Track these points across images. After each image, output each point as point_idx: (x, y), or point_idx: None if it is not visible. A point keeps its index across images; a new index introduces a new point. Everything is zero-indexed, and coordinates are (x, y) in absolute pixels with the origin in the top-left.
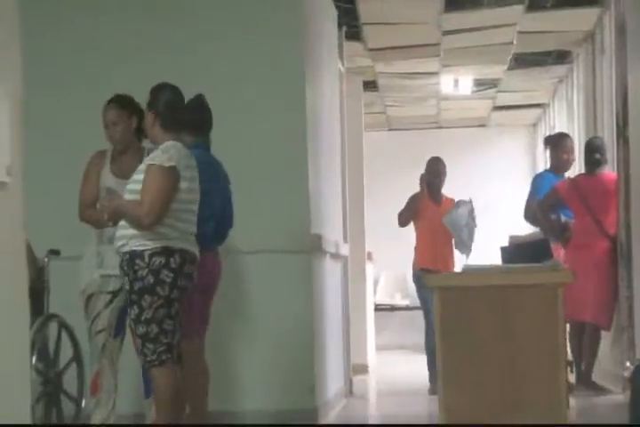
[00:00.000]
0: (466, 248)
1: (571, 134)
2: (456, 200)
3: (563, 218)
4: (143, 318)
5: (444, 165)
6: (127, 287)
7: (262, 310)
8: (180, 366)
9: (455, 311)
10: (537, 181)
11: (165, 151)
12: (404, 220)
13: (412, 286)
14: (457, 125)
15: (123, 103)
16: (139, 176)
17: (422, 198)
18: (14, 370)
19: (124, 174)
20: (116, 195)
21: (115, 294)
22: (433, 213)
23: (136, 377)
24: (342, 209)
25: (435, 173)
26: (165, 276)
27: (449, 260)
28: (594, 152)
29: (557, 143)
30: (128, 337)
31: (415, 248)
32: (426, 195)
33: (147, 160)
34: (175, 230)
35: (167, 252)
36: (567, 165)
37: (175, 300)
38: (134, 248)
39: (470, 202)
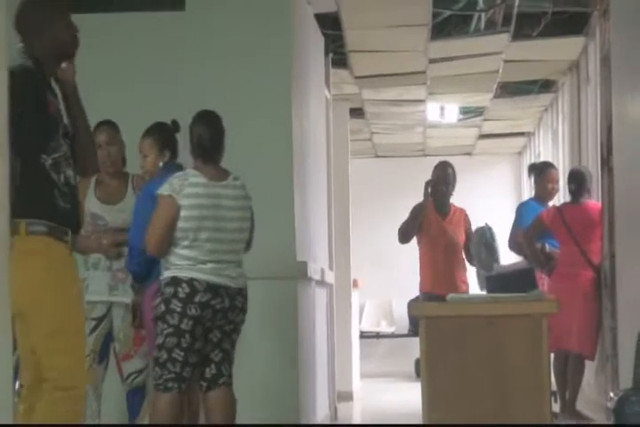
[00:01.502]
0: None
1: (555, 163)
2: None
3: (547, 247)
4: (156, 342)
5: (453, 171)
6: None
7: (247, 336)
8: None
9: (440, 340)
10: (521, 209)
11: (168, 181)
12: (404, 235)
13: (397, 314)
14: (443, 153)
15: (115, 126)
16: None
17: (426, 209)
18: None
19: (110, 200)
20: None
21: (100, 320)
22: (437, 227)
23: (120, 403)
24: (328, 236)
25: (441, 179)
26: (175, 305)
27: (455, 283)
28: (569, 182)
29: (542, 172)
30: (112, 363)
31: (419, 269)
32: (431, 205)
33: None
34: (182, 259)
35: (175, 281)
36: (552, 194)
37: (187, 331)
38: (159, 277)
39: (482, 229)
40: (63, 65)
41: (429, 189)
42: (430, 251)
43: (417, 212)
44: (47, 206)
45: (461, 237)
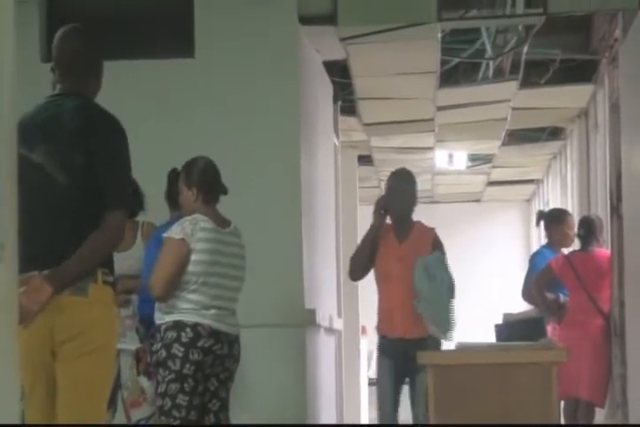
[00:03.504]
0: (446, 326)
1: None
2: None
3: (562, 298)
4: (159, 391)
5: (410, 179)
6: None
7: (256, 384)
8: None
9: (449, 389)
10: (535, 258)
11: (179, 224)
12: (352, 269)
13: None
14: (451, 200)
15: None
16: None
17: (381, 233)
18: None
19: (120, 247)
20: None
21: None
22: (393, 253)
23: None
24: (336, 283)
25: (394, 192)
26: (177, 350)
27: (413, 323)
28: (579, 229)
29: (562, 220)
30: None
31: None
32: (388, 227)
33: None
34: (187, 302)
35: (179, 326)
36: (569, 240)
37: (189, 375)
38: (157, 322)
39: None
40: None
41: (382, 210)
42: (385, 284)
43: (367, 238)
44: (112, 258)
45: None
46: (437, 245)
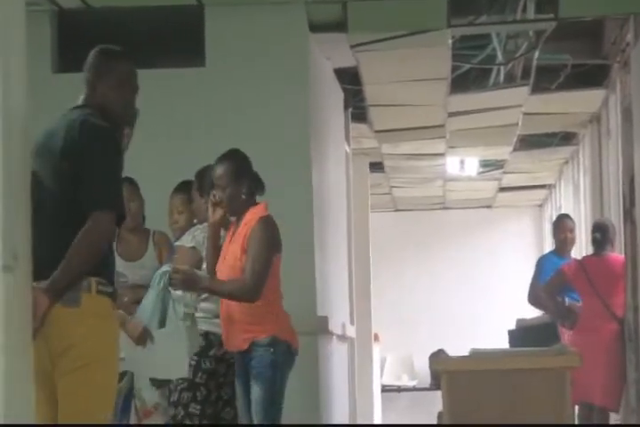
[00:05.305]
0: None
1: (577, 216)
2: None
3: (567, 301)
4: (171, 399)
5: (229, 162)
6: None
7: None
8: None
9: (463, 395)
10: (540, 262)
11: (190, 233)
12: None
13: (418, 367)
14: (463, 206)
15: (135, 183)
16: None
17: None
18: None
19: (131, 257)
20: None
21: (121, 376)
22: (223, 252)
23: None
24: (349, 290)
25: (215, 181)
26: (189, 359)
27: (233, 334)
28: (593, 232)
29: (556, 224)
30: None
31: None
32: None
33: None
34: (199, 311)
35: None
36: (566, 244)
37: (201, 384)
38: None
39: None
40: (125, 131)
41: (214, 204)
42: None
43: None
44: (110, 268)
45: (238, 264)
46: (256, 227)
